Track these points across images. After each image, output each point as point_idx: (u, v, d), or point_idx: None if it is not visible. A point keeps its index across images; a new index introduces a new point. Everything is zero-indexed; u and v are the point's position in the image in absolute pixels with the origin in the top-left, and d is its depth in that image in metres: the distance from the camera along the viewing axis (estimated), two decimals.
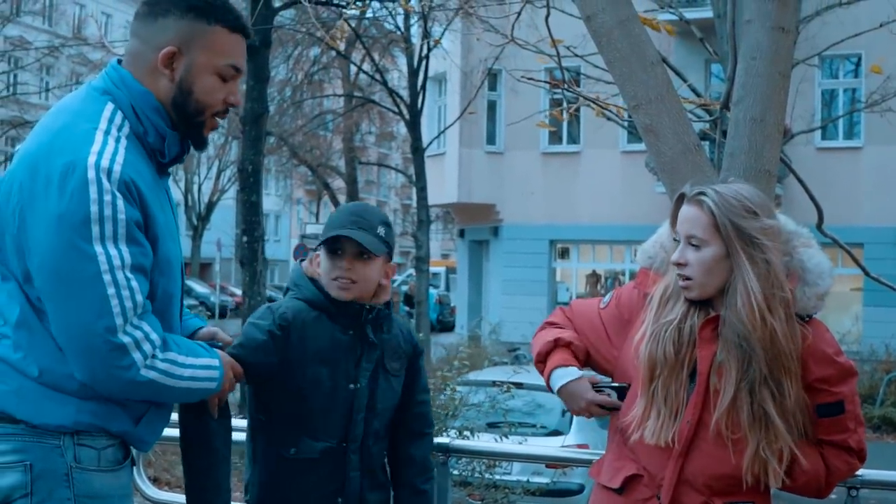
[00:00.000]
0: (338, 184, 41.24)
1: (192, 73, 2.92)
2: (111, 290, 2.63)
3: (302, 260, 3.65)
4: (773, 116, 4.39)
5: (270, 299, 40.79)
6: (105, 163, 2.68)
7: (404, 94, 28.20)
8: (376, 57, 29.41)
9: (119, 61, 2.98)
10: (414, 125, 27.05)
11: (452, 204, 30.86)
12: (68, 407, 2.78)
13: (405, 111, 27.44)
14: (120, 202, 2.66)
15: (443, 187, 29.72)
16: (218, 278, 42.91)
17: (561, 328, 3.50)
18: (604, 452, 3.62)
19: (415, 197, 28.69)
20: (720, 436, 3.10)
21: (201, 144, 3.04)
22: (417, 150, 27.02)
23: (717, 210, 3.07)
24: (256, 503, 3.51)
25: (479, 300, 31.09)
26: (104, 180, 2.65)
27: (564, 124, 27.19)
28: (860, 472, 3.58)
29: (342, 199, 37.84)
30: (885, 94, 11.68)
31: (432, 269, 36.90)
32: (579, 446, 9.62)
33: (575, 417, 10.84)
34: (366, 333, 3.50)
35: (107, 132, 2.77)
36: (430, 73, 28.24)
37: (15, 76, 39.83)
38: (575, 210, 28.10)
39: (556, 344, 3.43)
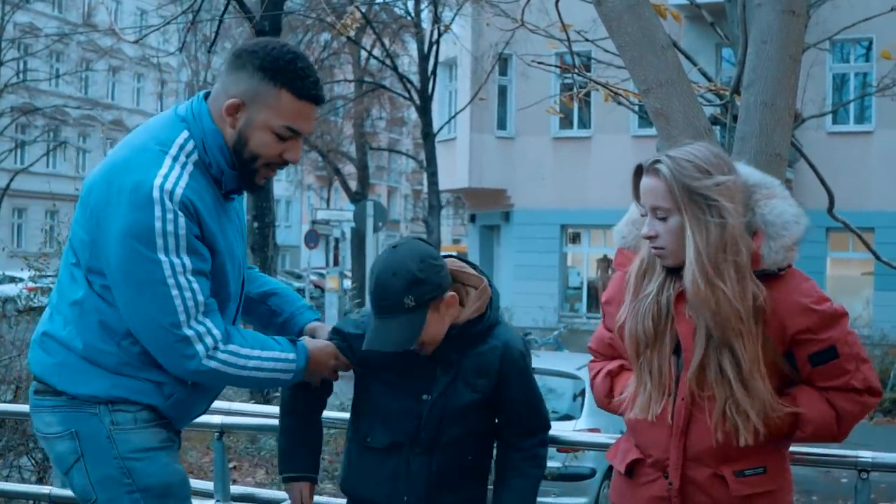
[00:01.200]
0: (348, 169, 41.24)
1: (251, 127, 3.13)
2: (175, 292, 2.99)
3: None
4: (784, 100, 4.38)
5: None
6: (169, 185, 3.00)
7: (415, 79, 28.23)
8: (387, 42, 29.41)
9: (207, 94, 3.24)
10: (424, 110, 27.06)
11: (463, 189, 30.85)
12: (104, 381, 3.16)
13: (416, 96, 27.46)
14: (181, 219, 2.99)
15: (454, 172, 29.71)
16: None
17: (605, 360, 3.53)
18: (616, 435, 3.64)
19: (426, 182, 28.73)
20: (698, 398, 3.12)
21: (252, 189, 3.31)
22: (428, 136, 27.04)
23: (671, 175, 3.05)
24: (341, 482, 3.75)
25: None
26: (167, 200, 2.98)
27: (575, 109, 27.24)
28: (870, 455, 3.59)
29: (353, 184, 37.83)
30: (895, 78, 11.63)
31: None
32: (591, 430, 9.65)
33: (586, 402, 10.87)
34: (445, 352, 3.53)
35: (175, 158, 3.08)
36: (441, 59, 28.25)
37: (25, 63, 39.92)
38: (586, 195, 28.06)
39: (611, 376, 3.46)
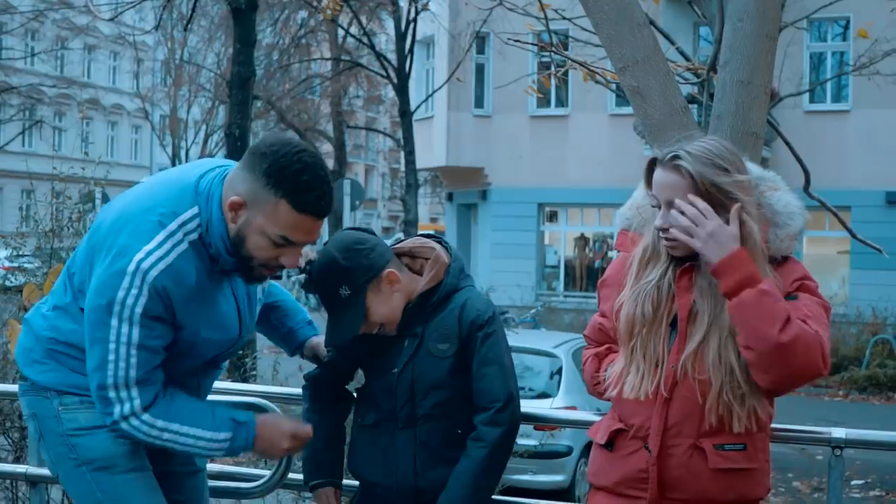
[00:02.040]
0: (326, 148, 41.16)
1: (248, 228, 3.16)
2: (111, 357, 3.12)
3: None
4: (760, 78, 4.40)
5: None
6: (146, 264, 3.10)
7: (392, 57, 28.14)
8: (364, 20, 29.31)
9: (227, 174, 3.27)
10: (402, 89, 26.98)
11: (441, 167, 30.84)
12: (59, 374, 3.37)
13: (393, 75, 27.38)
14: (143, 298, 3.10)
15: (431, 151, 29.69)
16: None
17: (597, 346, 3.55)
18: (592, 413, 3.66)
19: (403, 161, 28.67)
20: (691, 377, 3.14)
21: (248, 281, 3.38)
22: (405, 114, 26.98)
23: (696, 173, 3.09)
24: (347, 461, 3.84)
25: (467, 263, 31.05)
26: (137, 278, 3.09)
27: (553, 88, 27.21)
28: (843, 432, 3.62)
29: (330, 163, 37.74)
30: (872, 57, 11.66)
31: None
32: (568, 408, 9.68)
33: (563, 380, 10.90)
34: (409, 325, 3.59)
35: (171, 234, 3.16)
36: (418, 37, 28.17)
37: (0, 41, 39.61)
38: (563, 173, 28.10)
39: (598, 358, 3.50)
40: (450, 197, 33.11)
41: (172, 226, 3.16)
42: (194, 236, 3.19)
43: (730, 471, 3.19)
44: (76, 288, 3.31)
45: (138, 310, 3.09)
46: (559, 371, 11.07)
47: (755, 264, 3.08)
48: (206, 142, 50.05)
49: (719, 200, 3.10)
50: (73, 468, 3.35)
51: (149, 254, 3.10)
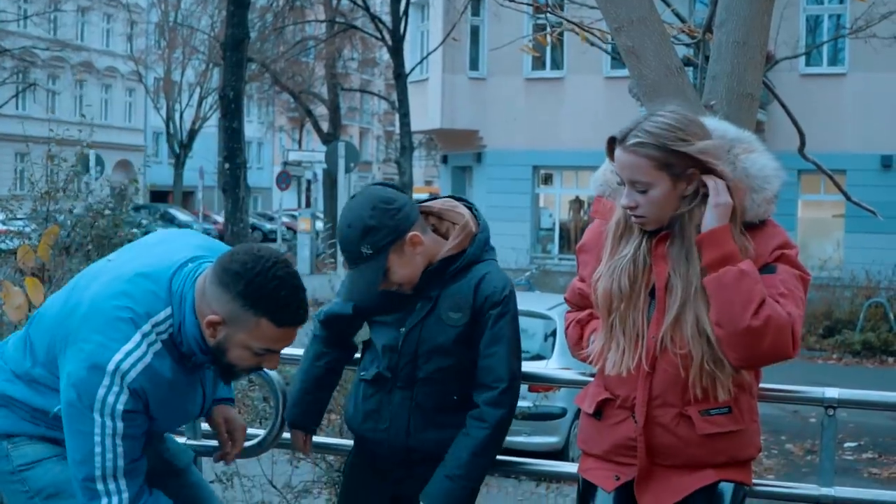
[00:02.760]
0: (320, 111, 41.07)
1: (229, 343, 3.16)
2: (98, 449, 3.12)
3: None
4: (756, 39, 4.38)
5: (253, 227, 40.47)
6: (125, 366, 3.09)
7: (387, 19, 28.04)
8: None
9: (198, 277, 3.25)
10: (396, 51, 26.93)
11: (435, 130, 30.77)
12: (8, 420, 3.38)
13: (388, 37, 27.32)
14: (124, 396, 3.10)
15: (426, 113, 29.61)
16: (200, 206, 42.81)
17: (579, 310, 3.55)
18: (585, 374, 3.66)
19: (398, 123, 28.64)
20: (671, 353, 3.15)
21: (227, 382, 3.49)
22: (400, 77, 26.92)
23: (655, 151, 3.07)
24: (343, 412, 3.95)
25: None
26: (117, 378, 3.08)
27: (548, 50, 27.09)
28: (836, 392, 3.63)
29: (325, 126, 37.68)
30: (869, 19, 11.64)
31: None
32: (562, 370, 9.70)
33: (558, 342, 10.93)
34: (423, 287, 3.59)
35: (146, 335, 3.15)
36: None
37: None
38: (558, 136, 28.06)
39: (581, 324, 3.50)
40: (444, 159, 33.07)
41: (146, 327, 3.16)
42: (165, 336, 3.19)
43: (718, 435, 3.20)
44: (38, 358, 3.30)
45: (120, 406, 3.10)
46: (553, 333, 11.08)
47: (731, 244, 3.07)
48: (200, 104, 49.92)
49: (682, 171, 3.07)
50: (27, 500, 3.39)
51: (127, 354, 3.11)
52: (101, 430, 3.10)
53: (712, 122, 3.28)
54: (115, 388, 3.07)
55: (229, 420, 3.70)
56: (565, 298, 3.62)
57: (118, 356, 3.09)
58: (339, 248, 3.55)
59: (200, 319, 3.16)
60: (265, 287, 3.07)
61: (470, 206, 3.72)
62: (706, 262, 3.06)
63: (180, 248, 3.34)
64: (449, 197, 3.76)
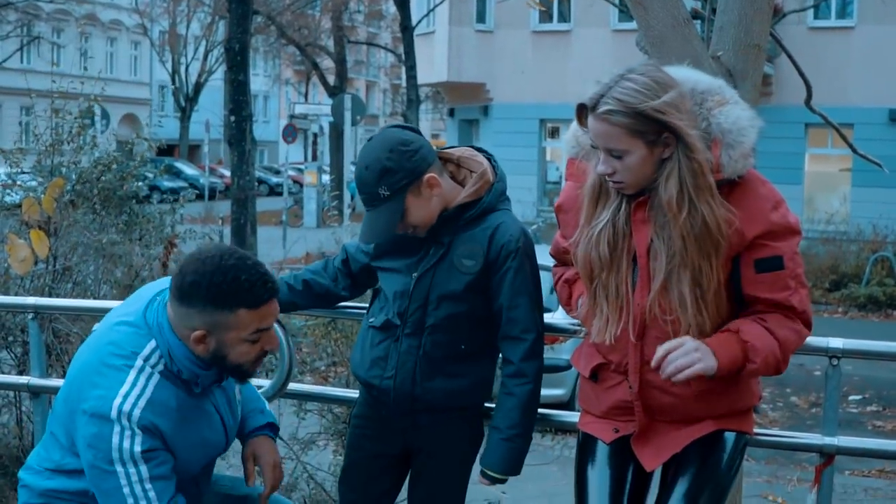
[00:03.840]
0: (326, 63, 40.94)
1: (224, 347, 3.20)
2: (130, 501, 3.12)
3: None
4: None
5: (259, 181, 40.42)
6: (127, 406, 3.11)
7: None
8: None
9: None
10: (403, 3, 26.81)
11: (442, 83, 30.68)
12: None
13: None
14: (138, 437, 3.11)
15: (432, 66, 29.53)
16: (207, 159, 42.73)
17: (564, 267, 3.55)
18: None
19: (404, 76, 28.55)
20: (660, 319, 3.12)
21: (242, 381, 3.45)
22: (406, 29, 26.84)
23: (626, 119, 2.99)
24: (350, 361, 3.90)
25: None
26: (125, 420, 3.10)
27: (555, 2, 26.99)
28: (840, 342, 3.64)
29: (331, 79, 37.57)
30: None
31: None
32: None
33: None
34: (437, 232, 3.58)
35: (140, 370, 3.19)
36: None
37: None
38: (565, 89, 27.90)
39: (568, 283, 3.50)
40: (451, 113, 33.00)
41: (138, 363, 3.20)
42: (161, 367, 3.22)
43: (713, 390, 3.19)
44: (64, 446, 3.32)
45: (137, 448, 3.11)
46: None
47: (734, 340, 3.08)
48: (205, 57, 49.78)
49: (657, 137, 3.00)
50: None
51: (125, 396, 3.13)
52: (127, 480, 3.12)
53: (683, 72, 3.18)
54: (127, 432, 3.10)
55: (259, 456, 3.63)
56: (550, 253, 3.60)
57: (118, 400, 3.12)
58: (355, 190, 3.62)
59: (185, 340, 3.20)
60: (225, 282, 3.12)
61: (489, 157, 3.71)
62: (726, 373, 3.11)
63: (152, 288, 3.42)
64: (471, 147, 3.76)
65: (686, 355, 3.00)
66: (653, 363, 3.05)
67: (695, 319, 3.07)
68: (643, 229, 3.13)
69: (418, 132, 3.62)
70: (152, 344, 3.23)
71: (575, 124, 3.22)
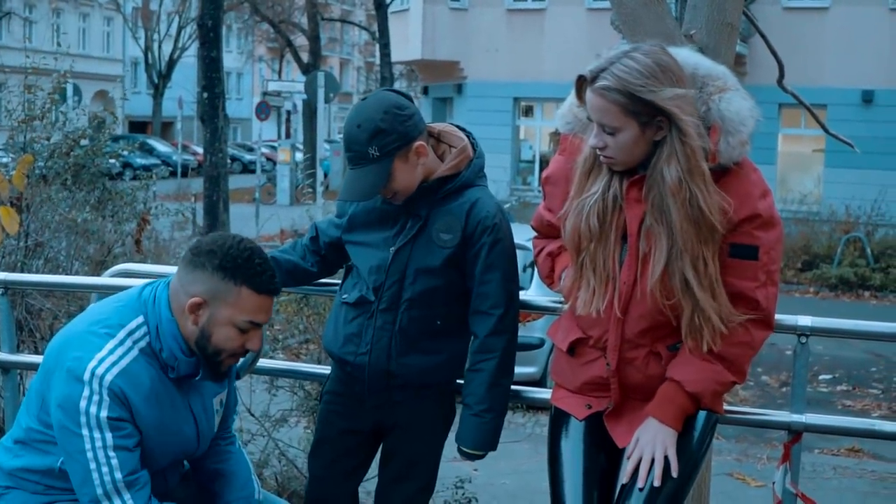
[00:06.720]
0: (300, 41, 40.79)
1: (214, 324, 3.25)
2: (93, 465, 3.16)
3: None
4: None
5: (232, 158, 40.45)
6: (100, 370, 3.15)
7: None
8: None
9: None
10: None
11: (416, 61, 30.63)
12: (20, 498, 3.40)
13: None
14: (105, 402, 3.14)
15: (406, 44, 29.47)
16: (180, 136, 42.56)
17: (546, 239, 3.56)
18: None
19: (378, 54, 28.48)
20: (656, 300, 3.12)
21: (217, 378, 3.42)
22: (381, 7, 26.78)
23: (621, 98, 3.00)
24: (325, 338, 3.89)
25: None
26: (95, 384, 3.13)
27: None
28: (809, 320, 3.66)
29: (305, 56, 37.43)
30: None
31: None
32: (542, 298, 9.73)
33: (536, 273, 10.98)
34: (414, 205, 3.59)
35: (121, 342, 3.24)
36: None
37: None
38: (539, 67, 27.98)
39: (552, 256, 3.50)
40: (425, 91, 32.95)
41: (120, 334, 3.25)
42: (143, 344, 3.26)
43: None
44: (32, 412, 3.35)
45: (103, 414, 3.14)
46: (532, 264, 11.09)
47: (673, 394, 3.16)
48: (178, 34, 49.52)
49: (650, 119, 3.02)
50: None
51: (101, 361, 3.17)
52: (90, 444, 3.14)
53: (684, 55, 3.19)
54: (96, 396, 3.13)
55: None
56: (532, 225, 3.61)
57: (92, 363, 3.16)
58: (343, 146, 3.56)
59: (178, 313, 3.26)
60: (240, 257, 3.22)
61: (468, 134, 3.74)
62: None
63: (143, 284, 3.45)
64: (452, 125, 3.79)
65: (652, 457, 3.15)
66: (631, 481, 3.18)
67: (698, 304, 3.08)
68: (636, 208, 3.14)
69: (411, 99, 3.62)
70: (140, 319, 3.28)
71: (571, 98, 3.23)
